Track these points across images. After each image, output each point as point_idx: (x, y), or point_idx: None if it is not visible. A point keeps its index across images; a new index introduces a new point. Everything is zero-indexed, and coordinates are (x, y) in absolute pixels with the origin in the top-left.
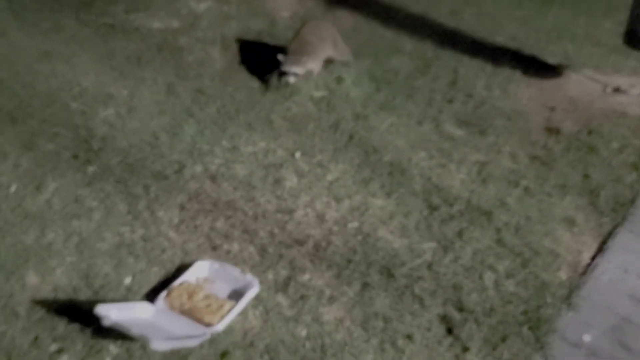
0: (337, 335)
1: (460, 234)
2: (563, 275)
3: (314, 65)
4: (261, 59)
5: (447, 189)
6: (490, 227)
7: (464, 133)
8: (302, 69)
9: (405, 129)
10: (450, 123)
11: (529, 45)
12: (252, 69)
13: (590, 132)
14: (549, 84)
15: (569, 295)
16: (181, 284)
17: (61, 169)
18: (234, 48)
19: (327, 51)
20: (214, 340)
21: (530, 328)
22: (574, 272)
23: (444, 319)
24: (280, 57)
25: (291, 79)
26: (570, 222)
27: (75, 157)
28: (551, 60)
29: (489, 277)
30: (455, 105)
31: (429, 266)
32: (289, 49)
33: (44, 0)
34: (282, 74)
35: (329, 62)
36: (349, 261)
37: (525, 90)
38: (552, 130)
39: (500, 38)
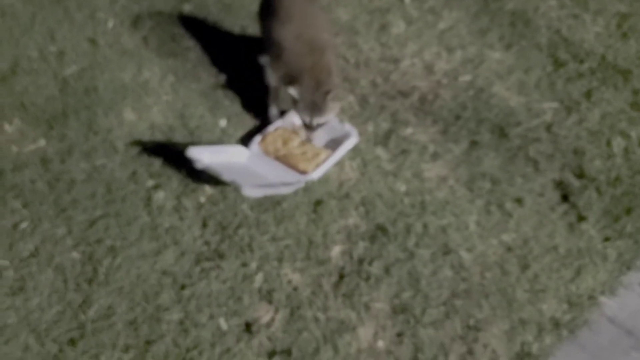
0: (438, 194)
1: (588, 94)
2: None
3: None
4: None
5: (578, 43)
6: (626, 89)
7: None
8: (325, 116)
9: None
10: None
11: None
12: None
13: None
14: None
15: None
16: (276, 129)
17: (155, 6)
18: None
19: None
20: (308, 188)
21: None
22: None
23: (560, 185)
24: (292, 91)
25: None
26: None
27: None
28: None
29: (618, 144)
30: None
31: (548, 128)
32: (302, 67)
33: None
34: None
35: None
36: (458, 117)
37: None
38: None
39: None
